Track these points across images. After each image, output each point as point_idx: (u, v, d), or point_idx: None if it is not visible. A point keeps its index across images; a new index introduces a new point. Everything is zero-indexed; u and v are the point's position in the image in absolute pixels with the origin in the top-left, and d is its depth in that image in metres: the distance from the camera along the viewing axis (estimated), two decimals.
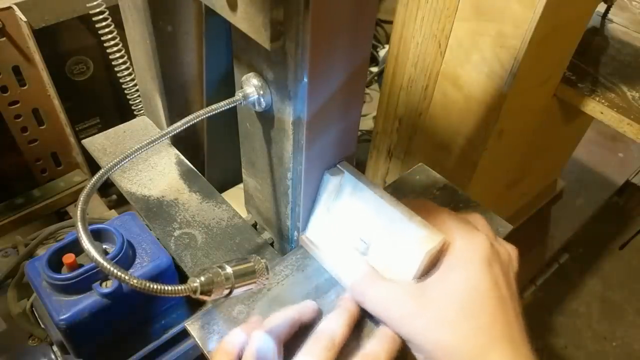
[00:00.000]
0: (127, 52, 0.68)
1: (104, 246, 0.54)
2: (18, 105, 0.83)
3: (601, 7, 0.96)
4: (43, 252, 0.54)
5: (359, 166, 1.09)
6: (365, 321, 0.44)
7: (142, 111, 0.73)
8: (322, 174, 0.48)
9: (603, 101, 0.79)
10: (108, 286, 0.50)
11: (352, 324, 0.42)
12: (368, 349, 0.40)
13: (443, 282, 0.40)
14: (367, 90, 1.35)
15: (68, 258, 0.50)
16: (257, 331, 0.39)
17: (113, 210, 0.93)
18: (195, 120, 0.42)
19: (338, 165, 0.48)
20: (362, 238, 0.46)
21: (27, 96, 0.83)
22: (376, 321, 0.43)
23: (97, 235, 0.54)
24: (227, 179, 0.73)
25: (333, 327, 0.40)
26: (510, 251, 0.43)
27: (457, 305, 0.38)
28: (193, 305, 0.60)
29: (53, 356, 0.62)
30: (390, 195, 0.45)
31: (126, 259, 0.53)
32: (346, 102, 0.44)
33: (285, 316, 0.41)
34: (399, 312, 0.40)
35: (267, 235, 0.58)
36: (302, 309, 0.43)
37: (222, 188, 0.71)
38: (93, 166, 0.93)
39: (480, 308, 0.38)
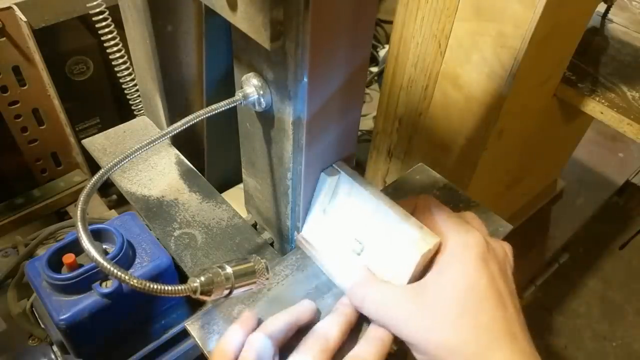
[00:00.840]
0: (127, 52, 0.68)
1: (104, 246, 0.54)
2: (18, 105, 0.83)
3: (601, 7, 0.96)
4: (43, 252, 0.54)
5: (359, 166, 1.09)
6: (363, 326, 0.44)
7: (142, 111, 0.73)
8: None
9: (603, 101, 0.79)
10: (108, 286, 0.50)
11: (347, 328, 0.41)
12: (356, 350, 0.40)
13: (441, 282, 0.39)
14: (367, 90, 1.35)
15: (68, 258, 0.50)
16: (257, 334, 0.39)
17: (113, 210, 0.93)
18: (195, 120, 0.42)
19: (334, 165, 0.48)
20: (357, 239, 0.46)
21: (27, 96, 0.83)
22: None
23: (97, 235, 0.54)
24: (227, 179, 0.73)
25: (328, 329, 0.40)
26: (505, 248, 0.43)
27: (457, 305, 0.38)
28: (193, 305, 0.60)
29: (53, 356, 0.62)
30: (386, 195, 0.45)
31: (126, 259, 0.53)
32: (346, 102, 0.44)
33: (284, 320, 0.41)
34: (398, 314, 0.40)
35: (267, 235, 0.58)
36: (300, 312, 0.43)
37: (222, 188, 0.71)
38: (93, 166, 0.93)
39: (479, 306, 0.38)
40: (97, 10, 0.67)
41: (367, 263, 0.45)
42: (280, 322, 0.40)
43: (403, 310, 0.40)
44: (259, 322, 0.42)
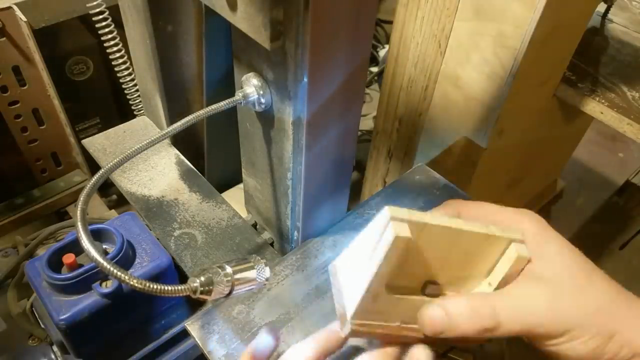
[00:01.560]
0: (127, 52, 0.68)
1: (104, 246, 0.54)
2: (18, 105, 0.83)
3: (601, 7, 0.96)
4: (43, 252, 0.54)
5: (359, 166, 1.09)
6: None
7: (142, 111, 0.73)
8: (322, 173, 0.48)
9: (603, 101, 0.79)
10: (108, 286, 0.50)
11: None
12: None
13: (550, 262, 0.39)
14: (367, 90, 1.35)
15: (68, 258, 0.50)
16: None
17: (113, 210, 0.93)
18: (195, 120, 0.42)
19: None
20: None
21: (27, 96, 0.83)
22: None
23: (97, 235, 0.54)
24: (227, 179, 0.73)
25: None
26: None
27: (578, 269, 0.39)
28: (193, 305, 0.60)
29: (53, 356, 0.62)
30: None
31: (126, 259, 0.53)
32: (346, 102, 0.44)
33: (314, 350, 0.37)
34: (539, 308, 0.37)
35: (267, 235, 0.58)
36: (328, 340, 0.37)
37: (222, 188, 0.71)
38: (93, 166, 0.93)
39: (586, 261, 0.40)
40: (97, 10, 0.67)
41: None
42: (310, 352, 0.36)
43: (542, 301, 0.37)
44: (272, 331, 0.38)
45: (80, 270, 0.50)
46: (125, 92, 0.75)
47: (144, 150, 0.40)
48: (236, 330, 0.44)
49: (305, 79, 0.38)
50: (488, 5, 0.65)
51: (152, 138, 0.41)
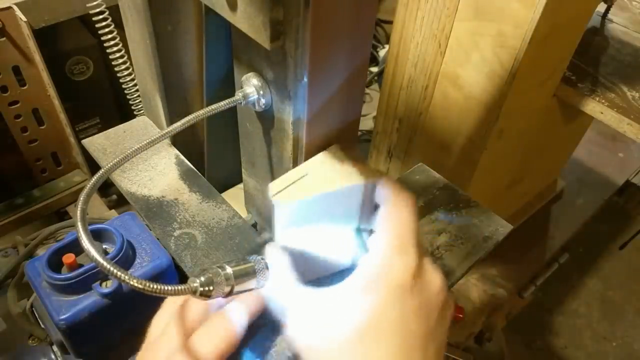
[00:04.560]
0: (127, 52, 0.68)
1: (104, 246, 0.54)
2: (18, 105, 0.83)
3: (601, 7, 0.96)
4: (43, 252, 0.54)
5: None
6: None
7: (142, 111, 0.73)
8: None
9: (603, 101, 0.79)
10: (108, 286, 0.50)
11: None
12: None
13: (347, 300, 0.35)
14: (367, 90, 1.35)
15: (68, 258, 0.50)
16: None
17: (113, 210, 0.93)
18: (195, 120, 0.42)
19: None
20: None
21: (27, 96, 0.83)
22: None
23: (97, 235, 0.54)
24: (227, 179, 0.73)
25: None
26: (440, 282, 0.37)
27: (354, 332, 0.34)
28: None
29: (53, 356, 0.62)
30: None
31: (126, 259, 0.53)
32: (346, 103, 0.44)
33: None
34: (296, 319, 0.36)
35: (267, 235, 0.58)
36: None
37: (222, 188, 0.71)
38: (93, 166, 0.93)
39: (374, 346, 0.33)
40: (97, 10, 0.67)
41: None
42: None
43: (300, 316, 0.36)
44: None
45: (80, 270, 0.50)
46: (125, 92, 0.75)
47: (144, 150, 0.40)
48: None
49: (305, 79, 0.38)
50: (488, 5, 0.65)
51: (152, 138, 0.41)
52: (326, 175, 0.41)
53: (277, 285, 0.38)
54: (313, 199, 0.39)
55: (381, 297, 0.34)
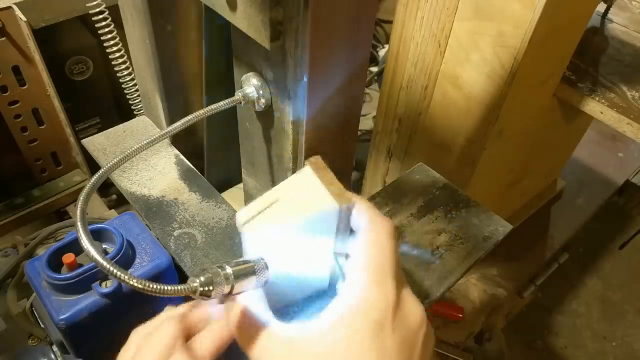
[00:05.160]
0: (127, 52, 0.68)
1: (104, 246, 0.54)
2: (18, 105, 0.83)
3: (601, 7, 0.96)
4: (43, 252, 0.54)
5: (359, 166, 1.09)
6: None
7: (142, 111, 0.73)
8: None
9: (603, 101, 0.79)
10: (108, 286, 0.50)
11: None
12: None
13: (323, 338, 0.33)
14: (367, 90, 1.35)
15: (68, 258, 0.50)
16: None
17: (113, 210, 0.93)
18: (195, 120, 0.42)
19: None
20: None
21: (27, 96, 0.83)
22: None
23: (97, 235, 0.54)
24: (227, 179, 0.73)
25: None
26: (420, 315, 0.35)
27: None
28: None
29: (53, 356, 0.62)
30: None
31: (126, 259, 0.53)
32: (346, 102, 0.44)
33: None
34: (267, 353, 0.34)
35: None
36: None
37: (222, 188, 0.71)
38: (93, 166, 0.93)
39: None
40: (97, 10, 0.67)
41: None
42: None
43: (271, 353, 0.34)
44: None
45: (80, 270, 0.50)
46: (125, 92, 0.75)
47: (144, 150, 0.40)
48: None
49: (305, 79, 0.38)
50: (488, 5, 0.65)
51: (152, 138, 0.41)
52: (299, 200, 0.39)
53: (248, 321, 0.36)
54: (284, 227, 0.38)
55: (359, 333, 0.32)
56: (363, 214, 0.37)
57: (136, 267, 0.53)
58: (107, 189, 0.97)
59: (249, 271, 0.38)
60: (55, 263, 0.51)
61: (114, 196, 0.96)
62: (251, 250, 0.38)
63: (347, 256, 0.40)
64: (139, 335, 0.39)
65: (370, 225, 0.36)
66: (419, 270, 0.52)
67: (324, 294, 0.35)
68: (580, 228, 1.18)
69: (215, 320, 0.39)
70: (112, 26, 0.69)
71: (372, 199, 0.59)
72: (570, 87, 0.81)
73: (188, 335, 0.38)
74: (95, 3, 0.66)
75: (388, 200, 0.58)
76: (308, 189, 0.40)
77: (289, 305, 0.43)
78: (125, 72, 0.72)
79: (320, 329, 0.33)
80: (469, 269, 0.54)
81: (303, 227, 0.38)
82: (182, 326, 0.38)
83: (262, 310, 0.36)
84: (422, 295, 0.51)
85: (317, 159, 0.40)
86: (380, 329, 0.32)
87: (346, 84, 0.42)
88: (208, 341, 0.37)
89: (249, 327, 0.36)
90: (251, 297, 0.37)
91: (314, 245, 0.40)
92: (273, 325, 0.35)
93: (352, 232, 0.39)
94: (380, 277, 0.34)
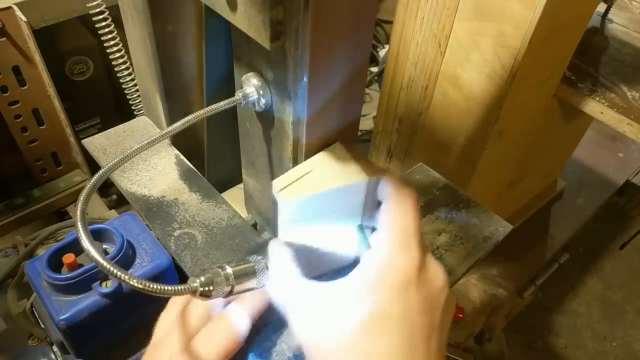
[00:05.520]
0: (127, 52, 0.68)
1: (104, 246, 0.54)
2: (18, 105, 0.83)
3: (601, 7, 0.95)
4: (43, 252, 0.54)
5: None
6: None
7: (142, 111, 0.73)
8: None
9: (603, 101, 0.79)
10: (108, 286, 0.51)
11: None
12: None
13: (351, 295, 0.35)
14: (367, 90, 1.35)
15: (68, 258, 0.50)
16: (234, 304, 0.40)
17: (113, 210, 0.93)
18: (195, 120, 0.42)
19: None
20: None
21: (27, 96, 0.83)
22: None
23: (97, 235, 0.54)
24: (227, 179, 0.73)
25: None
26: (442, 277, 0.38)
27: (359, 326, 0.34)
28: None
29: (53, 356, 0.62)
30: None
31: (126, 259, 0.53)
32: (346, 103, 0.44)
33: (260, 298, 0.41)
34: (302, 315, 0.36)
35: (267, 235, 0.58)
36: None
37: (222, 188, 0.71)
38: (93, 166, 0.93)
39: (381, 335, 0.34)
40: (97, 10, 0.67)
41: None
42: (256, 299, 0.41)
43: (307, 312, 0.36)
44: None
45: (80, 270, 0.50)
46: (125, 92, 0.75)
47: (144, 150, 0.40)
48: None
49: (305, 79, 0.38)
50: (488, 5, 0.65)
51: (152, 138, 0.41)
52: (329, 173, 0.41)
53: (280, 280, 0.38)
54: (316, 196, 0.40)
55: (385, 292, 0.34)
56: (388, 184, 0.39)
57: (136, 267, 0.53)
58: (107, 189, 0.97)
59: (249, 271, 0.38)
60: (55, 263, 0.51)
61: (114, 196, 0.96)
62: (283, 217, 0.41)
63: (373, 229, 0.43)
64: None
65: (393, 193, 0.38)
66: None
67: (352, 267, 0.36)
68: (580, 228, 1.18)
69: (215, 317, 0.40)
70: (112, 26, 0.69)
71: None
72: (570, 87, 0.81)
73: (190, 333, 0.39)
74: (95, 3, 0.66)
75: None
76: (339, 162, 0.43)
77: (318, 279, 0.44)
78: (125, 72, 0.72)
79: (349, 288, 0.35)
80: (469, 269, 0.54)
81: (333, 197, 0.40)
82: (183, 330, 0.39)
83: (295, 272, 0.38)
84: None
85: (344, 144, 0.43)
86: (405, 288, 0.35)
87: (346, 84, 0.42)
88: (208, 342, 0.38)
89: (284, 289, 0.38)
90: (284, 260, 0.39)
91: (342, 216, 0.42)
92: (306, 284, 0.37)
93: (379, 205, 0.41)
94: (404, 240, 0.36)
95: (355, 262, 0.44)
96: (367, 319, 0.34)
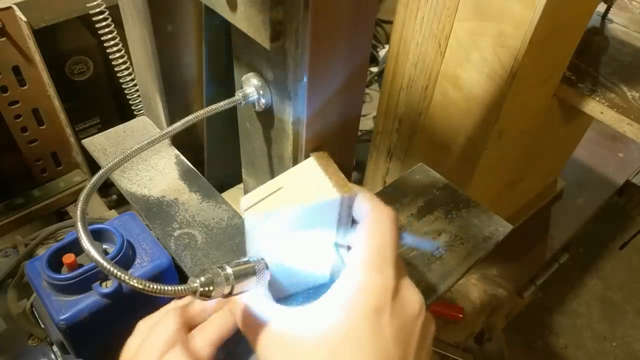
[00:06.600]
0: (127, 52, 0.68)
1: (104, 246, 0.54)
2: (18, 105, 0.83)
3: (601, 7, 0.95)
4: (43, 252, 0.54)
5: (359, 166, 1.09)
6: None
7: (142, 111, 0.73)
8: None
9: (603, 101, 0.79)
10: (108, 286, 0.50)
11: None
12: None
13: (322, 320, 0.33)
14: (367, 90, 1.35)
15: (68, 258, 0.50)
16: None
17: (113, 210, 0.93)
18: (195, 120, 0.42)
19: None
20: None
21: (27, 96, 0.83)
22: None
23: (97, 235, 0.54)
24: (227, 179, 0.73)
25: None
26: (418, 304, 0.35)
27: (329, 353, 0.32)
28: None
29: (53, 356, 0.62)
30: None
31: (126, 259, 0.53)
32: (346, 103, 0.44)
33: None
34: (264, 333, 0.35)
35: None
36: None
37: (222, 188, 0.71)
38: (93, 166, 0.93)
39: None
40: (97, 10, 0.67)
41: None
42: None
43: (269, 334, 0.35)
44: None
45: (80, 270, 0.50)
46: (125, 92, 0.75)
47: (144, 150, 0.40)
48: None
49: (305, 79, 0.38)
50: (488, 5, 0.65)
51: (152, 138, 0.41)
52: (302, 189, 0.39)
53: (247, 304, 0.37)
54: (286, 214, 0.38)
55: (357, 317, 0.32)
56: (365, 202, 0.37)
57: (136, 267, 0.53)
58: (107, 189, 0.97)
59: (249, 271, 0.38)
60: (55, 263, 0.50)
61: (114, 196, 0.96)
62: (252, 235, 0.39)
63: (348, 248, 0.40)
64: (144, 326, 0.40)
65: (371, 212, 0.37)
66: (419, 269, 0.52)
67: (327, 286, 0.35)
68: (580, 228, 1.18)
69: (217, 311, 0.39)
70: (112, 26, 0.69)
71: None
72: (570, 87, 0.81)
73: (190, 326, 0.39)
74: (95, 3, 0.66)
75: (388, 200, 0.58)
76: (311, 178, 0.40)
77: (291, 298, 0.43)
78: (125, 72, 0.72)
79: (319, 313, 0.34)
80: (469, 269, 0.54)
81: (305, 215, 0.38)
82: (184, 317, 0.38)
83: (262, 296, 0.37)
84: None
85: (322, 152, 0.41)
86: (378, 314, 0.33)
87: (346, 84, 0.42)
88: (210, 331, 0.38)
89: (249, 313, 0.36)
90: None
91: (315, 234, 0.40)
92: (273, 308, 0.36)
93: (354, 224, 0.39)
94: (379, 263, 0.34)
95: (330, 282, 0.43)
96: (337, 346, 0.32)
